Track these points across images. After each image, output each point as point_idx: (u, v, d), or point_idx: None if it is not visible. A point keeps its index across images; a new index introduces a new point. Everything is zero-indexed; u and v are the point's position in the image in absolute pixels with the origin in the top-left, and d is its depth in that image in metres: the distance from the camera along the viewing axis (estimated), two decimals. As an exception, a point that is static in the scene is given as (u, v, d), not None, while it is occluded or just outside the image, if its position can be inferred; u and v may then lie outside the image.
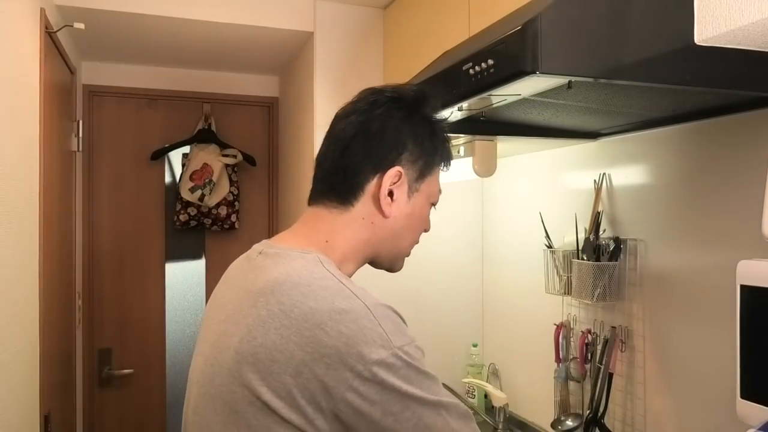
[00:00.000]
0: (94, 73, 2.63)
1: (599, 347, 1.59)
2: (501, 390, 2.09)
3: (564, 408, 1.72)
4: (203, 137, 2.71)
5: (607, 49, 0.95)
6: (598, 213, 1.62)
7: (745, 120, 1.26)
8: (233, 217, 2.71)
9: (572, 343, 1.72)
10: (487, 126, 1.54)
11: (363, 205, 0.91)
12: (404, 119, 0.91)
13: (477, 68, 1.05)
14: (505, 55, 0.98)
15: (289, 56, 2.53)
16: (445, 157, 0.98)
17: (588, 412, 1.58)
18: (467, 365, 2.25)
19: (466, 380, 2.16)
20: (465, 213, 2.33)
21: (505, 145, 1.82)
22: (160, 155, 2.70)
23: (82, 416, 2.57)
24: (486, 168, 1.74)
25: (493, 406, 2.00)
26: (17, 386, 1.52)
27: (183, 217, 2.66)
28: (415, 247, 1.03)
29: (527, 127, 1.57)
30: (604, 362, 1.56)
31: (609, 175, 1.64)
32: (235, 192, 2.71)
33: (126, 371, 2.65)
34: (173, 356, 2.74)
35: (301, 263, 0.84)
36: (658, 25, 0.95)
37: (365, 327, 0.75)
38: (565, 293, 1.68)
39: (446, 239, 2.30)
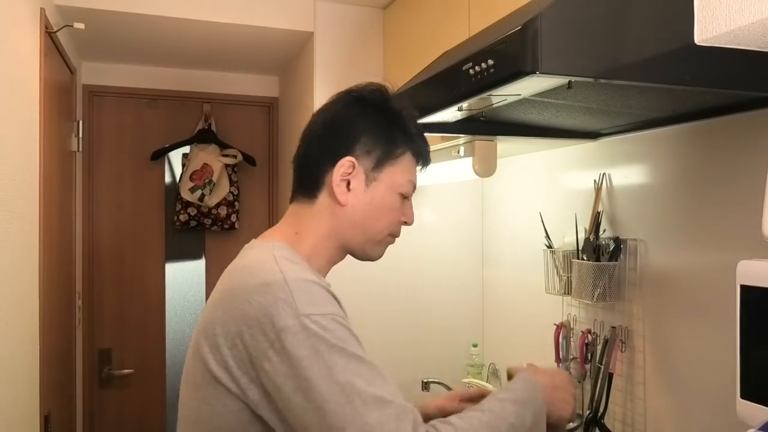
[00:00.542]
0: (94, 73, 2.63)
1: (599, 347, 1.59)
2: (501, 390, 2.08)
3: (564, 408, 1.72)
4: (203, 137, 2.71)
5: (606, 49, 0.95)
6: (598, 213, 1.62)
7: (745, 120, 1.26)
8: (233, 217, 2.71)
9: (572, 343, 1.72)
10: (487, 126, 1.54)
11: (324, 196, 0.97)
12: (360, 113, 0.97)
13: (477, 68, 1.05)
14: (505, 55, 0.98)
15: (289, 56, 2.53)
16: (417, 153, 1.01)
17: (588, 412, 1.58)
18: (467, 365, 2.25)
19: (466, 380, 2.16)
20: (465, 213, 2.33)
21: (505, 145, 1.82)
22: (160, 155, 2.70)
23: (82, 416, 2.57)
24: (486, 168, 1.74)
25: (493, 406, 2.00)
26: (17, 386, 1.52)
27: (183, 217, 2.66)
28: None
29: (527, 127, 1.57)
30: (604, 362, 1.55)
31: (609, 175, 1.64)
32: (235, 192, 2.71)
33: (126, 371, 2.65)
34: (173, 356, 2.74)
35: (258, 251, 0.92)
36: (658, 25, 0.95)
37: (279, 298, 0.80)
38: (565, 293, 1.68)
39: (446, 239, 2.30)
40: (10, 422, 1.44)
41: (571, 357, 1.71)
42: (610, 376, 1.55)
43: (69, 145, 2.35)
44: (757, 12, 0.76)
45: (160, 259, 2.74)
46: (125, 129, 2.70)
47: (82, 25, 1.93)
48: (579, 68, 0.94)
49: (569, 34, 0.94)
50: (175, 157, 2.76)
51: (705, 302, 1.36)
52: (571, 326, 1.74)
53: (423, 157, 1.03)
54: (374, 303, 2.20)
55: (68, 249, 2.33)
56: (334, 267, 1.02)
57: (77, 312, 2.50)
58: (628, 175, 1.59)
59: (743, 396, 0.98)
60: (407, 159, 0.99)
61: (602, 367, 1.56)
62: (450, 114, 1.39)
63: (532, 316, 1.99)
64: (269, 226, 1.06)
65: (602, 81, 0.97)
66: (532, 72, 0.92)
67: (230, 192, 2.69)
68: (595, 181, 1.66)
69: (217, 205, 2.68)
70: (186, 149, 2.72)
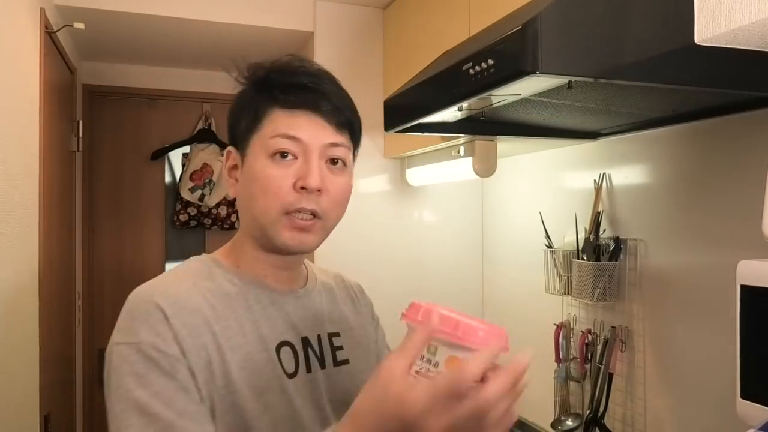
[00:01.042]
0: (94, 73, 2.63)
1: (599, 347, 1.59)
2: (501, 390, 2.08)
3: (564, 408, 1.72)
4: (203, 137, 2.71)
5: (606, 49, 0.95)
6: (598, 213, 1.62)
7: (745, 120, 1.26)
8: (233, 217, 2.71)
9: (572, 343, 1.72)
10: (487, 126, 1.54)
11: None
12: (235, 100, 0.93)
13: (477, 68, 1.05)
14: (505, 55, 0.98)
15: (289, 56, 2.52)
16: (275, 98, 0.87)
17: (588, 412, 1.58)
18: (467, 365, 2.24)
19: (466, 380, 2.15)
20: (465, 213, 2.33)
21: (505, 145, 1.82)
22: (160, 155, 2.70)
23: (82, 416, 2.57)
24: (486, 168, 1.74)
25: (493, 406, 2.00)
26: (17, 386, 1.52)
27: (183, 217, 2.66)
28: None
29: (527, 127, 1.57)
30: (604, 362, 1.55)
31: (609, 175, 1.64)
32: (235, 192, 2.71)
33: (126, 371, 2.64)
34: (173, 356, 2.74)
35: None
36: (658, 25, 0.95)
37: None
38: (565, 293, 1.68)
39: (446, 239, 2.30)
40: (10, 422, 1.44)
41: (571, 357, 1.71)
42: (610, 376, 1.55)
43: (69, 144, 2.35)
44: (757, 12, 0.76)
45: (160, 259, 2.73)
46: (125, 129, 2.70)
47: (82, 25, 1.94)
48: (579, 68, 0.94)
49: (569, 34, 0.94)
50: (175, 157, 2.76)
51: (705, 302, 1.36)
52: (571, 326, 1.74)
53: (282, 96, 0.87)
54: (374, 303, 2.20)
55: (68, 248, 2.33)
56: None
57: (77, 312, 2.50)
58: (628, 175, 1.59)
59: (743, 396, 0.98)
60: (270, 114, 0.86)
61: (602, 367, 1.55)
62: (450, 114, 1.39)
63: (532, 315, 1.99)
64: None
65: (602, 81, 0.97)
66: (532, 72, 0.91)
67: (230, 192, 2.69)
68: (595, 181, 1.66)
69: (217, 205, 2.68)
70: (186, 149, 2.73)
